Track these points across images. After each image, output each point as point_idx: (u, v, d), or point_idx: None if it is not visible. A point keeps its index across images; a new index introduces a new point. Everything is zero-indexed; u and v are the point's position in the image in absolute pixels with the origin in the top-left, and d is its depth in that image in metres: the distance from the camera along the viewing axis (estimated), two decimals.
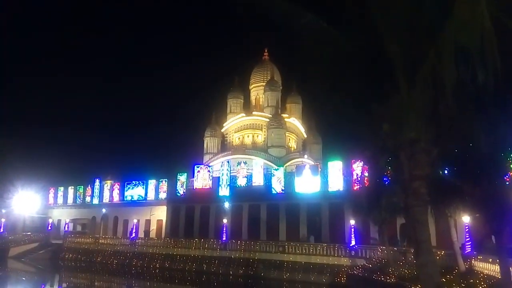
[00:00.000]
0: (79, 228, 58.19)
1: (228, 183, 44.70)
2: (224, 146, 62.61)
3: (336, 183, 38.10)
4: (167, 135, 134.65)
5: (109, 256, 45.18)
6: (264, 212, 41.90)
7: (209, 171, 48.14)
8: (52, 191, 62.66)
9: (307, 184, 39.85)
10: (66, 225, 56.29)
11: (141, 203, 51.14)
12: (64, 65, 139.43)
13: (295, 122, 63.10)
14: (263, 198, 42.06)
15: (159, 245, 42.87)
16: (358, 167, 35.59)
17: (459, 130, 6.52)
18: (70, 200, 60.17)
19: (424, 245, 5.99)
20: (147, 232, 48.66)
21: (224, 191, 44.39)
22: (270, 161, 52.58)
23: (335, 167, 38.71)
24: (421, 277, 6.39)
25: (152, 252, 42.39)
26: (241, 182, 45.13)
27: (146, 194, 51.16)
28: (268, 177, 43.62)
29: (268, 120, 58.86)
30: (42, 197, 61.66)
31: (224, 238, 38.94)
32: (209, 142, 62.85)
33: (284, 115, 60.94)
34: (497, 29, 4.53)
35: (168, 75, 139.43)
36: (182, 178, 48.35)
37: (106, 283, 39.40)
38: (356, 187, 34.75)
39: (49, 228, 57.01)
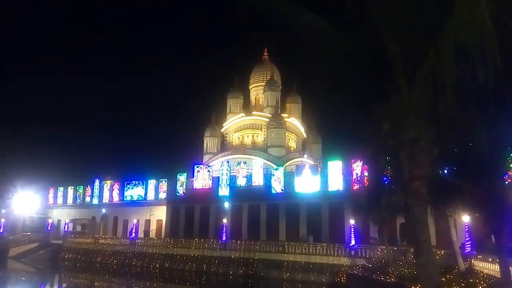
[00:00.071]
0: (79, 228, 58.18)
1: (228, 183, 44.70)
2: (224, 146, 62.61)
3: (336, 183, 38.11)
4: (167, 135, 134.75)
5: (109, 256, 45.18)
6: (264, 212, 41.91)
7: (209, 171, 48.14)
8: (51, 191, 62.65)
9: (307, 184, 39.86)
10: (66, 225, 56.31)
11: (141, 203, 51.14)
12: (64, 65, 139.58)
13: (294, 122, 63.11)
14: (263, 198, 42.06)
15: (159, 245, 42.88)
16: (358, 166, 35.62)
17: (459, 130, 6.52)
18: (70, 200, 60.16)
19: (424, 244, 5.99)
20: (147, 232, 48.67)
21: (224, 191, 44.39)
22: (270, 161, 52.60)
23: (335, 166, 38.73)
24: (421, 276, 6.39)
25: (152, 252, 42.40)
26: (241, 182, 45.14)
27: (146, 194, 51.17)
28: (268, 177, 43.62)
29: (267, 120, 58.86)
30: (41, 197, 61.65)
31: (224, 238, 38.94)
32: (209, 142, 62.85)
33: (283, 115, 60.95)
34: (497, 28, 4.53)
35: (168, 75, 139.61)
36: (182, 178, 48.36)
37: (106, 283, 39.39)
38: (356, 187, 34.79)
39: (49, 228, 57.00)
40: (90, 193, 57.56)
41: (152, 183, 50.90)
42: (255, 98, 65.90)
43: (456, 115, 5.89)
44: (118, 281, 39.78)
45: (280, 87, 64.99)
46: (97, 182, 56.88)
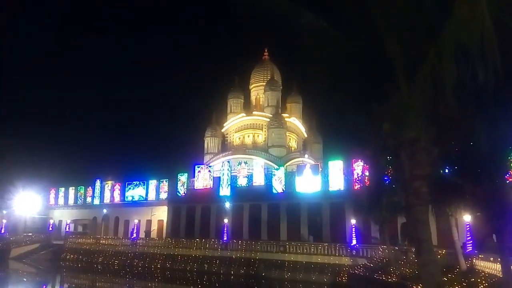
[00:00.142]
0: (80, 228, 58.26)
1: (229, 183, 44.72)
2: (225, 146, 62.62)
3: (337, 183, 38.10)
4: (167, 135, 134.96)
5: (110, 257, 45.22)
6: (265, 212, 41.92)
7: (209, 171, 48.16)
8: (53, 191, 62.72)
9: (308, 184, 39.86)
10: (67, 225, 56.37)
11: (142, 203, 51.20)
12: (64, 65, 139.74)
13: (295, 122, 63.10)
14: (264, 198, 42.07)
15: (160, 245, 42.92)
16: (358, 166, 35.61)
17: (459, 130, 6.53)
18: (71, 200, 60.22)
19: (425, 244, 5.99)
20: (148, 232, 48.71)
21: (224, 191, 44.41)
22: (270, 161, 52.60)
23: (336, 166, 38.72)
24: (422, 276, 6.40)
25: (153, 252, 42.43)
26: (242, 182, 45.15)
27: (147, 194, 51.21)
28: (268, 177, 43.63)
29: (268, 120, 58.86)
30: (43, 198, 61.75)
31: (225, 238, 38.96)
32: (210, 142, 62.87)
33: (284, 115, 60.94)
34: (497, 28, 4.54)
35: (168, 75, 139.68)
36: (183, 178, 48.41)
37: (107, 284, 39.43)
38: (357, 187, 34.76)
39: (50, 229, 57.13)
40: (91, 193, 57.64)
41: (153, 183, 50.94)
42: (255, 98, 65.90)
43: (456, 115, 5.89)
44: (119, 281, 39.81)
45: (281, 87, 64.99)
46: (98, 183, 56.94)
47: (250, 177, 44.96)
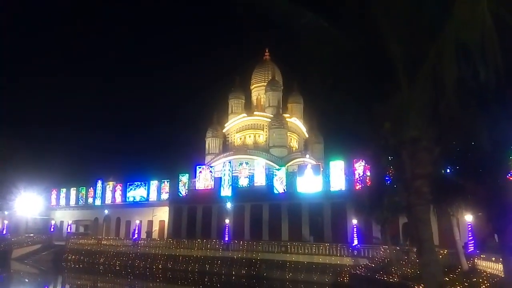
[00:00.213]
0: (81, 229, 58.32)
1: (230, 183, 44.73)
2: (226, 147, 62.62)
3: (338, 183, 38.07)
4: (168, 135, 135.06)
5: (111, 257, 45.26)
6: (266, 212, 41.91)
7: (211, 171, 48.17)
8: (54, 192, 62.80)
9: (309, 184, 39.84)
10: (69, 226, 56.41)
11: (143, 204, 51.26)
12: (64, 65, 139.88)
13: (296, 122, 63.06)
14: (265, 198, 42.06)
15: (162, 246, 42.94)
16: (360, 166, 35.54)
17: (460, 129, 6.51)
18: (72, 201, 60.29)
19: (426, 244, 5.98)
20: (149, 233, 48.77)
21: (226, 191, 44.42)
22: (271, 161, 52.56)
23: (337, 166, 38.69)
24: (424, 276, 6.38)
25: (155, 253, 42.45)
26: (243, 182, 45.16)
27: (148, 195, 51.27)
28: (270, 177, 43.63)
29: (269, 120, 58.83)
30: (44, 198, 61.80)
31: (226, 239, 38.96)
32: (211, 143, 62.87)
33: (285, 115, 60.90)
34: (498, 26, 4.52)
35: (169, 75, 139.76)
36: (184, 178, 48.44)
37: (109, 284, 39.47)
38: (358, 187, 34.72)
39: (52, 229, 57.21)
40: (92, 194, 57.73)
41: (154, 184, 50.99)
42: (256, 98, 65.88)
43: (457, 114, 5.87)
44: (121, 282, 39.84)
45: (282, 87, 64.93)
46: (99, 183, 57.01)
47: (251, 178, 44.95)
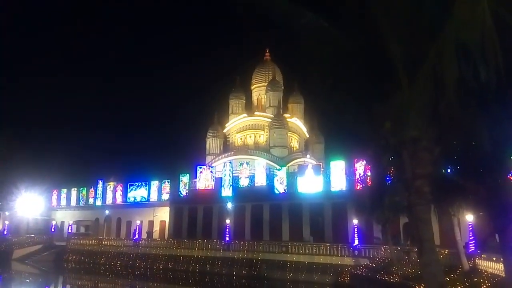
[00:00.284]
0: (82, 229, 58.33)
1: (231, 183, 44.75)
2: (226, 147, 62.63)
3: (339, 183, 38.05)
4: (169, 136, 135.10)
5: (112, 258, 45.27)
6: (267, 212, 41.91)
7: (211, 171, 48.18)
8: (55, 193, 62.88)
9: (310, 184, 39.83)
10: (70, 226, 56.46)
11: (144, 204, 51.29)
12: (64, 65, 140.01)
13: (297, 122, 63.05)
14: (266, 198, 42.07)
15: (162, 246, 42.94)
16: (360, 166, 35.57)
17: (461, 128, 6.51)
18: (73, 202, 60.37)
19: (427, 244, 5.98)
20: (150, 233, 48.79)
21: (226, 191, 44.43)
22: (272, 161, 52.57)
23: (338, 166, 38.67)
24: (424, 276, 6.39)
25: (156, 253, 42.46)
26: (244, 182, 45.18)
27: (149, 195, 51.30)
28: (270, 177, 43.63)
29: (270, 120, 58.84)
30: (45, 199, 61.87)
31: (227, 239, 38.96)
32: (211, 143, 62.89)
33: (286, 115, 60.90)
34: (498, 26, 4.52)
35: (169, 75, 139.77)
36: (185, 179, 48.45)
37: (109, 285, 39.49)
38: (358, 187, 34.75)
39: (53, 230, 57.27)
40: (93, 194, 57.78)
41: (155, 184, 51.03)
42: (257, 99, 65.88)
43: (457, 113, 5.88)
44: (121, 282, 39.85)
45: (282, 87, 64.92)
46: (100, 184, 57.05)
47: (252, 178, 44.97)
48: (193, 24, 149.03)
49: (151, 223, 50.08)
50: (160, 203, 49.61)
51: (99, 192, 56.80)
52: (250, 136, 61.55)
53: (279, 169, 43.48)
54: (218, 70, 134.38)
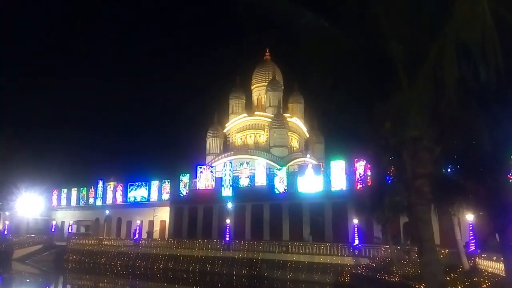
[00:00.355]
0: (82, 229, 58.35)
1: (231, 183, 44.76)
2: (227, 147, 62.64)
3: (339, 183, 38.05)
4: (169, 136, 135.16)
5: (112, 258, 45.29)
6: (267, 212, 41.92)
7: (211, 171, 48.19)
8: (55, 193, 62.88)
9: (310, 184, 39.83)
10: (70, 226, 56.47)
11: (144, 204, 51.30)
12: (64, 65, 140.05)
13: (297, 122, 63.06)
14: (266, 198, 42.07)
15: (163, 246, 42.96)
16: (360, 166, 35.58)
17: (461, 128, 6.51)
18: (73, 202, 60.37)
19: (427, 243, 5.98)
20: (150, 233, 48.79)
21: (227, 191, 44.43)
22: (272, 161, 52.57)
23: (338, 166, 38.67)
24: (425, 275, 6.38)
25: (156, 253, 42.48)
26: (244, 182, 45.17)
27: (149, 195, 51.31)
28: (270, 177, 43.62)
29: (270, 120, 58.85)
30: (45, 199, 61.88)
31: (227, 239, 38.96)
32: (212, 143, 62.89)
33: (286, 115, 60.91)
34: (498, 26, 4.52)
35: (169, 75, 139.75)
36: (185, 179, 48.45)
37: (110, 285, 39.49)
38: (359, 186, 34.76)
39: (53, 230, 57.25)
40: (93, 194, 57.77)
41: (155, 184, 51.04)
42: (257, 98, 65.89)
43: (458, 113, 5.88)
44: (122, 282, 39.87)
45: (282, 87, 64.92)
46: (100, 184, 57.05)
47: (252, 178, 44.96)
48: (193, 24, 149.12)
49: (151, 223, 50.09)
50: (160, 203, 49.62)
51: (99, 192, 56.80)
52: (250, 136, 61.56)
53: (279, 169, 43.48)
54: (218, 70, 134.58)
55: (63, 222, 60.22)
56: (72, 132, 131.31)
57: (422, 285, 17.61)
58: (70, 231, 55.69)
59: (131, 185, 53.72)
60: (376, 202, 25.08)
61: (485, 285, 18.30)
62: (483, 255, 22.24)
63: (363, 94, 6.46)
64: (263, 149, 57.38)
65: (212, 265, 37.59)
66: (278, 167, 45.31)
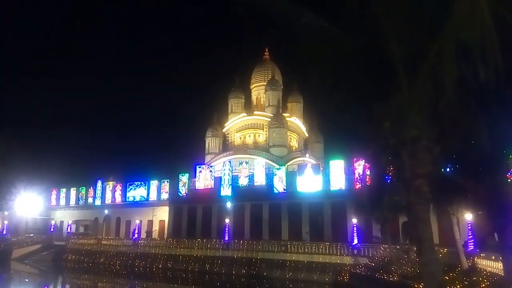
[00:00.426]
0: (81, 229, 58.36)
1: (230, 183, 44.76)
2: (226, 146, 62.66)
3: (338, 182, 38.10)
4: (168, 135, 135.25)
5: (112, 257, 45.28)
6: (266, 211, 41.94)
7: (211, 171, 48.19)
8: (54, 192, 62.80)
9: (309, 183, 39.87)
10: (69, 226, 56.45)
11: (143, 203, 51.29)
12: (64, 65, 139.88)
13: (296, 121, 63.10)
14: (265, 198, 42.10)
15: (162, 245, 42.98)
16: (360, 165, 35.62)
17: (461, 128, 6.52)
18: (72, 201, 60.29)
19: (426, 243, 5.98)
20: (149, 232, 48.79)
21: (226, 191, 44.44)
22: (271, 161, 52.61)
23: (337, 166, 38.71)
24: (424, 275, 6.39)
25: (155, 252, 42.48)
26: (243, 182, 45.18)
27: (148, 194, 51.29)
28: (270, 176, 43.65)
29: (269, 119, 58.88)
30: (44, 198, 61.80)
31: (226, 238, 38.98)
32: (211, 142, 62.91)
33: (285, 115, 60.96)
34: (498, 26, 4.53)
35: (169, 75, 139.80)
36: (184, 178, 48.47)
37: (109, 284, 39.49)
38: (358, 186, 34.82)
39: (52, 229, 57.24)
40: (92, 194, 57.72)
41: (154, 183, 51.01)
42: (256, 98, 65.91)
43: (457, 113, 5.89)
44: (121, 282, 39.88)
45: (282, 87, 64.97)
46: (99, 183, 57.02)
47: (251, 177, 44.98)
48: (193, 24, 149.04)
49: (150, 223, 50.08)
50: (159, 202, 49.61)
51: (98, 191, 56.76)
52: (250, 136, 61.58)
53: (278, 169, 43.51)
54: (218, 70, 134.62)
55: (62, 222, 60.16)
56: (71, 131, 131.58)
57: (421, 285, 17.64)
58: (69, 230, 55.66)
59: (130, 184, 53.70)
60: (375, 201, 25.12)
61: (483, 285, 18.33)
62: (482, 255, 22.28)
63: (363, 94, 6.46)
64: (262, 149, 57.41)
65: (211, 264, 37.61)
66: (277, 166, 45.34)
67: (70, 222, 57.34)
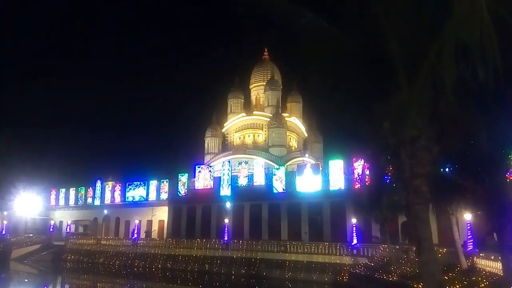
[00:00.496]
0: (81, 229, 58.30)
1: (229, 183, 44.74)
2: (225, 146, 62.63)
3: (338, 182, 38.11)
4: (168, 135, 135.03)
5: (111, 257, 45.24)
6: (265, 211, 41.94)
7: (210, 171, 48.17)
8: (53, 192, 62.72)
9: (308, 183, 39.87)
10: (68, 226, 56.41)
11: (143, 203, 51.25)
12: (64, 65, 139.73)
13: (295, 121, 63.09)
14: (265, 198, 42.09)
15: (161, 245, 42.95)
16: (359, 165, 35.62)
17: (460, 128, 6.53)
18: (71, 201, 60.23)
19: (425, 243, 6.00)
20: (148, 232, 48.75)
21: (225, 191, 44.43)
22: (271, 161, 52.60)
23: (336, 165, 38.73)
24: (423, 275, 6.41)
25: (154, 252, 42.45)
26: (242, 181, 45.17)
27: (147, 194, 51.25)
28: (269, 176, 43.66)
29: (268, 119, 58.86)
30: (43, 198, 61.74)
31: (225, 238, 38.97)
32: (210, 142, 62.87)
33: (284, 115, 60.94)
34: (497, 25, 4.54)
35: (168, 75, 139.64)
36: (183, 178, 48.45)
37: (108, 284, 39.47)
38: (357, 186, 34.81)
39: (51, 229, 57.17)
40: (92, 194, 57.68)
41: (153, 183, 50.98)
42: (255, 98, 65.89)
43: (456, 113, 5.90)
44: (120, 282, 39.84)
45: (281, 87, 64.93)
46: (98, 183, 56.97)
47: (250, 177, 44.97)
48: (193, 24, 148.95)
49: (149, 223, 50.05)
50: (158, 202, 49.57)
51: (98, 191, 56.72)
52: (249, 136, 61.56)
53: (277, 168, 43.51)
54: (218, 70, 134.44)
55: (61, 222, 60.09)
56: (71, 131, 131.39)
57: (420, 284, 17.65)
58: (68, 230, 55.62)
59: (129, 184, 53.66)
60: (375, 201, 25.13)
61: (483, 284, 18.35)
62: (481, 254, 22.29)
63: (363, 94, 6.47)
64: (261, 149, 57.39)
65: (211, 264, 37.60)
66: (277, 166, 45.34)
67: (69, 222, 57.31)
